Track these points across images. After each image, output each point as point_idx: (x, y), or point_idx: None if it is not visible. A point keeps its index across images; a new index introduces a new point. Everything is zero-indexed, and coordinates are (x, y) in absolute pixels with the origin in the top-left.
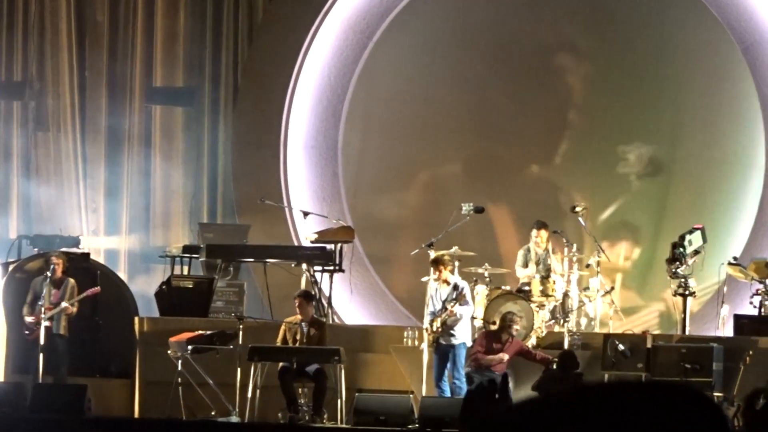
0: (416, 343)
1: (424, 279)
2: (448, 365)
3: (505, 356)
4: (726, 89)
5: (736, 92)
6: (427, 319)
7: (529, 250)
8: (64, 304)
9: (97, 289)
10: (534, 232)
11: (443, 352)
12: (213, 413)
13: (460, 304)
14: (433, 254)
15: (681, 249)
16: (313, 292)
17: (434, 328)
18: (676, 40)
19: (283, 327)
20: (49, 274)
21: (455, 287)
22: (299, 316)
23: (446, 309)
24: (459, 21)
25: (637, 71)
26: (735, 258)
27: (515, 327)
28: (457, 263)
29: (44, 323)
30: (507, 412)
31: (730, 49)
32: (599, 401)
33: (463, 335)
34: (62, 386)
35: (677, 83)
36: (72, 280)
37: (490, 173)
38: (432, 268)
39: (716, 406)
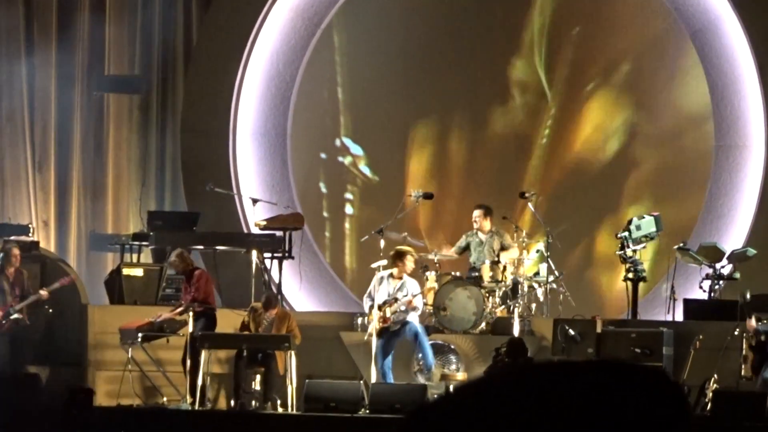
0: (366, 329)
1: (374, 265)
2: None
3: None
4: (676, 72)
5: (686, 76)
6: (367, 303)
7: (471, 235)
8: (43, 292)
9: (70, 278)
10: (474, 216)
11: (391, 335)
12: (164, 400)
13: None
14: (397, 247)
15: (626, 233)
16: (273, 293)
17: (388, 315)
18: (626, 24)
19: (248, 312)
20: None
21: (406, 282)
22: None
23: (396, 300)
24: (406, 8)
25: (586, 56)
26: (684, 243)
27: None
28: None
29: (15, 315)
30: (448, 398)
31: (679, 34)
32: (545, 381)
33: (414, 318)
34: (14, 376)
35: (628, 69)
36: (26, 271)
37: (440, 159)
38: (393, 260)
39: (676, 385)
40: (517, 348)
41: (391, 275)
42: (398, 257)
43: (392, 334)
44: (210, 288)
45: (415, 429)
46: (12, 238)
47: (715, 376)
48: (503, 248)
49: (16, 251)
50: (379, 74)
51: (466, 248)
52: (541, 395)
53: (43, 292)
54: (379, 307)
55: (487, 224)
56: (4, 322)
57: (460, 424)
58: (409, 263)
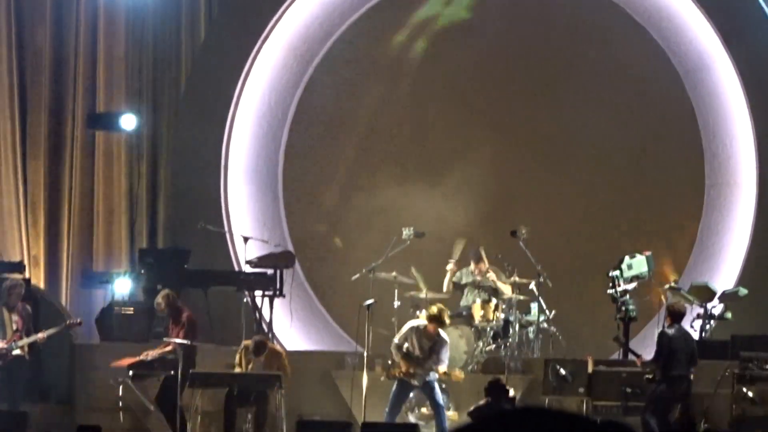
0: (357, 366)
1: (365, 303)
2: (428, 403)
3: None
4: (668, 111)
5: (678, 114)
6: (395, 349)
7: (467, 274)
8: (41, 334)
9: (79, 321)
10: (471, 265)
11: (409, 389)
12: None
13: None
14: (439, 307)
15: (617, 272)
16: (262, 339)
17: (410, 370)
18: (620, 64)
19: (240, 351)
20: None
21: (439, 343)
22: None
23: (428, 358)
24: (399, 42)
25: (578, 92)
26: (675, 282)
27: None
28: (396, 288)
29: (16, 351)
30: None
31: (672, 74)
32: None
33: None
34: (3, 413)
35: (621, 107)
36: (28, 306)
37: (432, 197)
38: (434, 321)
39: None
40: (496, 388)
41: (425, 328)
42: (437, 321)
43: (411, 387)
44: (190, 328)
45: None
46: (5, 275)
47: (705, 417)
48: (497, 287)
49: (20, 288)
50: (371, 112)
51: (462, 287)
52: None
53: (41, 335)
54: (409, 361)
55: (484, 267)
56: (7, 357)
57: None
58: (444, 327)
